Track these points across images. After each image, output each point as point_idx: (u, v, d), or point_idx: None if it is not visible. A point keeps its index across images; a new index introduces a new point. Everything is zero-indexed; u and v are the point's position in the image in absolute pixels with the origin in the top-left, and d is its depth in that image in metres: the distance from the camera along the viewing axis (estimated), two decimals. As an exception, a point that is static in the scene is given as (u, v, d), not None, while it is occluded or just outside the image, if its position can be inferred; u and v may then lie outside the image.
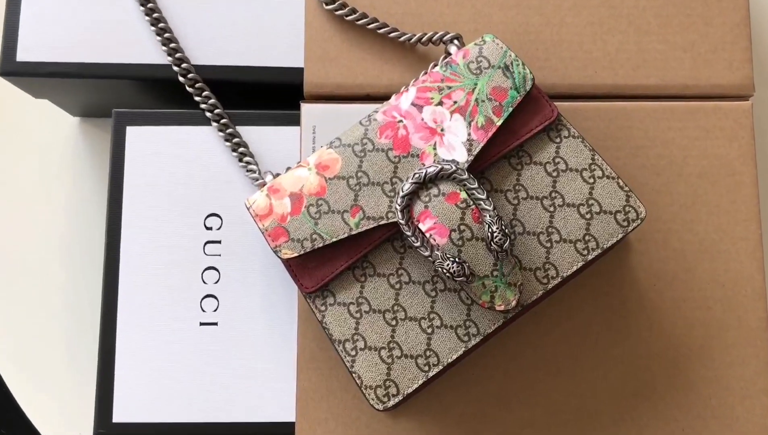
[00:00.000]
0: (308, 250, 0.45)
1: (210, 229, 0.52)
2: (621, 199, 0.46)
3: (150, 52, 0.54)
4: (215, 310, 0.51)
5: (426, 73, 0.49)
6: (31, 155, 0.67)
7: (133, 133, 0.53)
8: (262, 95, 0.56)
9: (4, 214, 0.65)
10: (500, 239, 0.43)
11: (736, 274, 0.51)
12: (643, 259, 0.51)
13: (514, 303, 0.44)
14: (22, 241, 0.65)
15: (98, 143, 0.67)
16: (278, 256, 0.46)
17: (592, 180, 0.47)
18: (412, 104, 0.47)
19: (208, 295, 0.52)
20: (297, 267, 0.46)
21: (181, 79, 0.53)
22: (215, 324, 0.51)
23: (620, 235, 0.46)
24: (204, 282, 0.52)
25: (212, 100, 0.53)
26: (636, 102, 0.53)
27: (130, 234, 0.52)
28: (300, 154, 0.52)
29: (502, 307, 0.44)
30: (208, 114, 0.53)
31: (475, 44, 0.48)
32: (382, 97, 0.53)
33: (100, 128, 0.67)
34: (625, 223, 0.46)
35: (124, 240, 0.52)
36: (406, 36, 0.52)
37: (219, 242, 0.52)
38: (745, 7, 0.54)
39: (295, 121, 0.53)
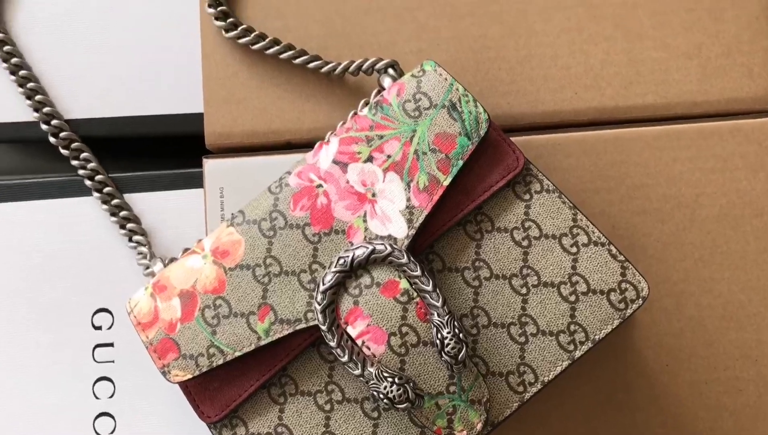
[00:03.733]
0: (205, 369, 0.35)
1: (99, 328, 0.42)
2: (615, 273, 0.35)
3: (12, 107, 0.43)
4: (112, 432, 0.41)
5: (351, 117, 0.38)
6: None
7: (-3, 211, 0.43)
8: (157, 152, 0.45)
9: None
10: (454, 348, 0.32)
11: (773, 345, 0.40)
12: (650, 334, 0.40)
13: (479, 426, 0.33)
14: None
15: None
16: (167, 380, 0.35)
17: (574, 249, 0.35)
18: (334, 162, 0.36)
19: (102, 414, 0.41)
20: (195, 389, 0.36)
21: (52, 139, 0.42)
22: (112, 450, 0.41)
23: (616, 322, 0.35)
24: (96, 397, 0.41)
25: (92, 165, 0.42)
26: (631, 128, 0.41)
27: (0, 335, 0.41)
28: (206, 227, 0.41)
29: (464, 433, 0.33)
30: (88, 182, 0.42)
31: (413, 76, 0.37)
32: (306, 145, 0.42)
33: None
34: (622, 306, 0.35)
35: (-4, 346, 0.42)
36: (330, 66, 0.41)
37: (111, 345, 0.41)
38: (764, -6, 0.42)
39: (199, 181, 0.42)
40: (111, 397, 0.41)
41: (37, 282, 0.42)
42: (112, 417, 0.41)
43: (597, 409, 0.40)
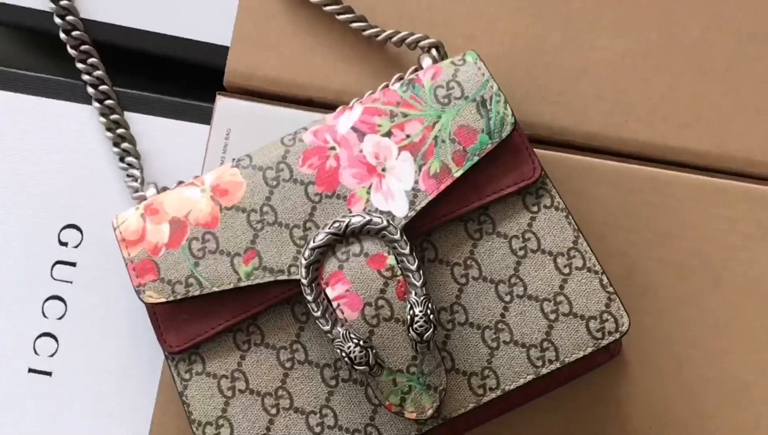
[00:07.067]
0: (180, 296, 0.67)
1: (65, 244, 0.74)
2: (600, 302, 0.67)
3: (29, -8, 0.77)
4: (52, 355, 0.74)
5: (381, 89, 0.71)
6: None
7: (-14, 97, 0.76)
8: (170, 76, 0.78)
9: None
10: (421, 327, 0.64)
11: None
12: (640, 391, 0.71)
13: (429, 412, 0.65)
14: None
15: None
16: (140, 299, 0.68)
17: (567, 270, 0.68)
18: (353, 129, 0.69)
19: (45, 334, 0.74)
20: (163, 316, 0.68)
21: (62, 35, 0.76)
22: (48, 374, 0.73)
23: (589, 349, 0.66)
24: (44, 315, 0.74)
25: (99, 72, 0.76)
26: (675, 170, 0.73)
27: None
28: (203, 165, 0.74)
29: (413, 415, 0.65)
30: (90, 89, 0.75)
31: (452, 63, 0.70)
32: (328, 106, 0.74)
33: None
34: (599, 335, 0.66)
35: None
36: (374, 30, 0.74)
37: (73, 265, 0.74)
38: None
39: (206, 117, 0.75)
40: (60, 318, 0.74)
41: (10, 182, 0.75)
42: (56, 339, 0.74)
43: (564, 454, 0.71)
